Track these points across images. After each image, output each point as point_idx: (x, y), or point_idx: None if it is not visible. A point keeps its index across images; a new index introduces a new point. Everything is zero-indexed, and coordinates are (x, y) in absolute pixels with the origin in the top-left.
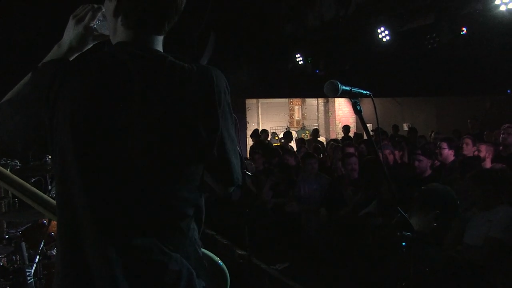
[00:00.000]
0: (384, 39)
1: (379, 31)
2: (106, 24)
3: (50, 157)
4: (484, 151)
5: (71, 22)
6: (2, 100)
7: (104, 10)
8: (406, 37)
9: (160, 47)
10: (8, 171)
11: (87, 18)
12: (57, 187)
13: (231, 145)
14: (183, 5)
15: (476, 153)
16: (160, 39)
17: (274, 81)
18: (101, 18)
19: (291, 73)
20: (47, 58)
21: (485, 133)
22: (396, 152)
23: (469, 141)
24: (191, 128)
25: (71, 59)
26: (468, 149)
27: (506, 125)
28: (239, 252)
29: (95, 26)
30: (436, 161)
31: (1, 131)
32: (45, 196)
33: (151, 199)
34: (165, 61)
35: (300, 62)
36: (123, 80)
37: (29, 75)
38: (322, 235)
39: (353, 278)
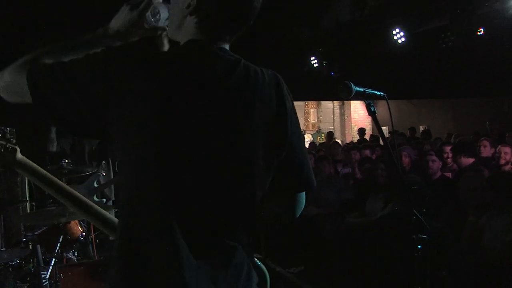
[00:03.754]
0: (400, 41)
1: (394, 32)
2: (160, 21)
3: (66, 161)
4: (510, 154)
5: (124, 8)
6: (54, 62)
7: (162, 5)
8: (421, 38)
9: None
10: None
11: (143, 5)
12: (127, 181)
13: (303, 146)
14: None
15: (498, 155)
16: (229, 40)
17: (289, 84)
18: (156, 13)
19: (306, 76)
20: (91, 37)
21: (507, 134)
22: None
23: (487, 143)
24: (270, 129)
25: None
26: (486, 151)
27: None
28: (255, 255)
29: (150, 17)
30: (453, 164)
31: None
32: (87, 200)
33: (227, 200)
34: (240, 62)
35: (315, 65)
36: (206, 78)
37: (92, 56)
38: (338, 238)
39: (369, 282)
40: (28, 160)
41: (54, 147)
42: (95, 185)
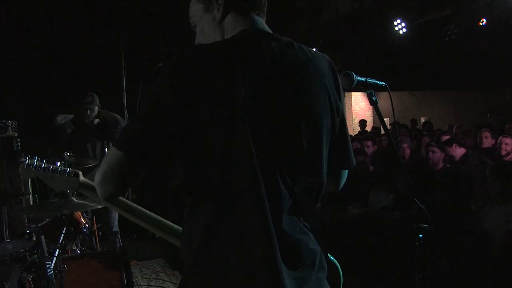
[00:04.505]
0: (401, 32)
1: (395, 23)
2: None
3: (68, 153)
4: (511, 144)
5: None
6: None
7: None
8: (423, 29)
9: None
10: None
11: None
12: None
13: (346, 126)
14: None
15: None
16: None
17: None
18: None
19: None
20: None
21: (506, 125)
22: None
23: (488, 134)
24: (333, 106)
25: None
26: (488, 142)
27: None
28: None
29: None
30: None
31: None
32: (169, 223)
33: (302, 179)
34: (293, 42)
35: None
36: (277, 63)
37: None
38: (339, 229)
39: (370, 271)
40: (89, 181)
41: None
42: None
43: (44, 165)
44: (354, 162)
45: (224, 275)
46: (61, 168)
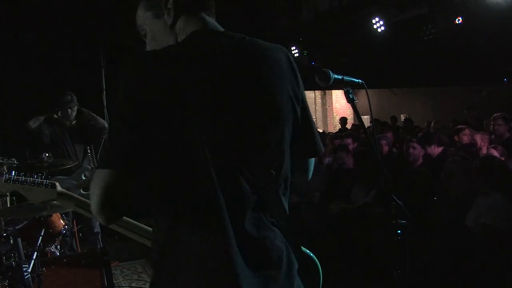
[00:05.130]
0: (379, 30)
1: (373, 21)
2: None
3: (46, 154)
4: (480, 140)
5: None
6: None
7: None
8: (401, 27)
9: None
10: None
11: None
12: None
13: (310, 114)
14: None
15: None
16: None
17: None
18: None
19: None
20: None
21: (484, 122)
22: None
23: (467, 132)
24: (293, 96)
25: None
26: (466, 139)
27: (496, 115)
28: None
29: None
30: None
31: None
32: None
33: (265, 173)
34: (245, 37)
35: (296, 55)
36: (230, 61)
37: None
38: (321, 226)
39: (350, 268)
40: (67, 191)
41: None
42: (83, 178)
43: (22, 178)
44: (322, 149)
45: (184, 279)
46: (38, 180)
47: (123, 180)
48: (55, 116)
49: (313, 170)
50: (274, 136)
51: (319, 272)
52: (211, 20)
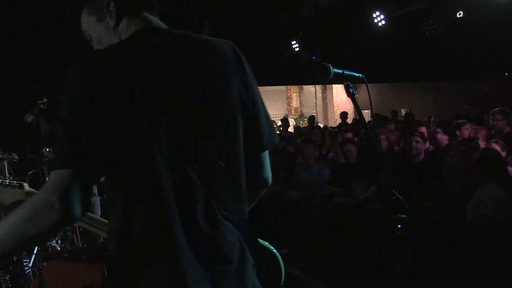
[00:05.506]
0: (380, 24)
1: (374, 15)
2: None
3: (47, 149)
4: (477, 135)
5: None
6: None
7: None
8: (402, 22)
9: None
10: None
11: None
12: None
13: (262, 106)
14: None
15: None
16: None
17: (271, 69)
18: None
19: (288, 60)
20: None
21: (485, 116)
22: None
23: (469, 126)
24: (241, 88)
25: None
26: (467, 133)
27: (494, 111)
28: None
29: None
30: (429, 146)
31: None
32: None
33: (216, 166)
34: (188, 34)
35: (296, 49)
36: (160, 52)
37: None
38: (321, 221)
39: (352, 263)
40: (35, 191)
41: (45, 133)
42: None
43: None
44: (272, 142)
45: (135, 271)
46: (6, 181)
47: (80, 178)
48: (42, 106)
49: (313, 165)
50: (222, 126)
51: (280, 266)
52: (154, 19)
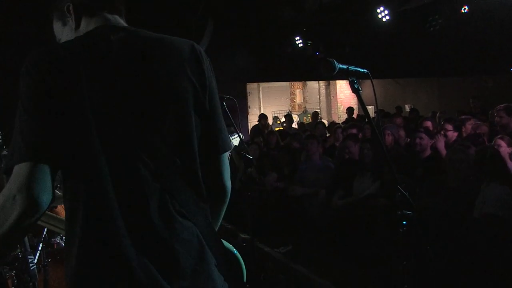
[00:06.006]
0: (384, 19)
1: (378, 11)
2: None
3: None
4: (477, 131)
5: None
6: None
7: None
8: (406, 17)
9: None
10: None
11: None
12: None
13: (219, 110)
14: None
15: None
16: (122, 20)
17: (275, 65)
18: None
19: (291, 56)
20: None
21: (489, 112)
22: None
23: (473, 122)
24: (197, 86)
25: None
26: (471, 129)
27: (499, 107)
28: (242, 236)
29: None
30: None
31: None
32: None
33: (168, 163)
34: (146, 32)
35: (300, 45)
36: (105, 48)
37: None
38: (325, 217)
39: (356, 259)
40: None
41: None
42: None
43: None
44: (227, 147)
45: (88, 269)
46: None
47: (36, 168)
48: None
49: (317, 161)
50: (172, 121)
51: (241, 267)
52: (113, 17)
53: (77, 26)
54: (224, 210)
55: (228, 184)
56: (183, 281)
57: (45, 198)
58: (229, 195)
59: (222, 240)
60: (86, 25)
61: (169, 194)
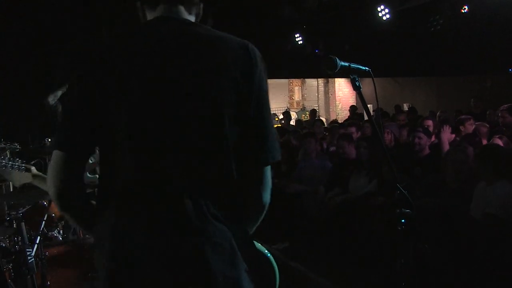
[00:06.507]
0: (384, 18)
1: (379, 9)
2: None
3: (49, 139)
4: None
5: None
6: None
7: None
8: (406, 16)
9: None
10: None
11: None
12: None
13: (270, 120)
14: None
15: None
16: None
17: (274, 62)
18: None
19: (291, 53)
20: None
21: (487, 112)
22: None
23: (472, 122)
24: (242, 90)
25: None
26: (471, 128)
27: (502, 108)
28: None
29: None
30: (435, 140)
31: None
32: None
33: (201, 163)
34: (197, 25)
35: (299, 42)
36: (154, 40)
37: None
38: (322, 215)
39: (353, 257)
40: (42, 174)
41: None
42: (90, 161)
43: (3, 162)
44: (270, 158)
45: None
46: (16, 164)
47: (70, 161)
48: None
49: (315, 159)
50: (202, 122)
51: (275, 272)
52: (177, 8)
53: (145, 19)
54: (254, 228)
55: (265, 199)
56: (215, 282)
57: (78, 193)
58: (264, 213)
59: (256, 243)
60: (149, 17)
61: (203, 197)
